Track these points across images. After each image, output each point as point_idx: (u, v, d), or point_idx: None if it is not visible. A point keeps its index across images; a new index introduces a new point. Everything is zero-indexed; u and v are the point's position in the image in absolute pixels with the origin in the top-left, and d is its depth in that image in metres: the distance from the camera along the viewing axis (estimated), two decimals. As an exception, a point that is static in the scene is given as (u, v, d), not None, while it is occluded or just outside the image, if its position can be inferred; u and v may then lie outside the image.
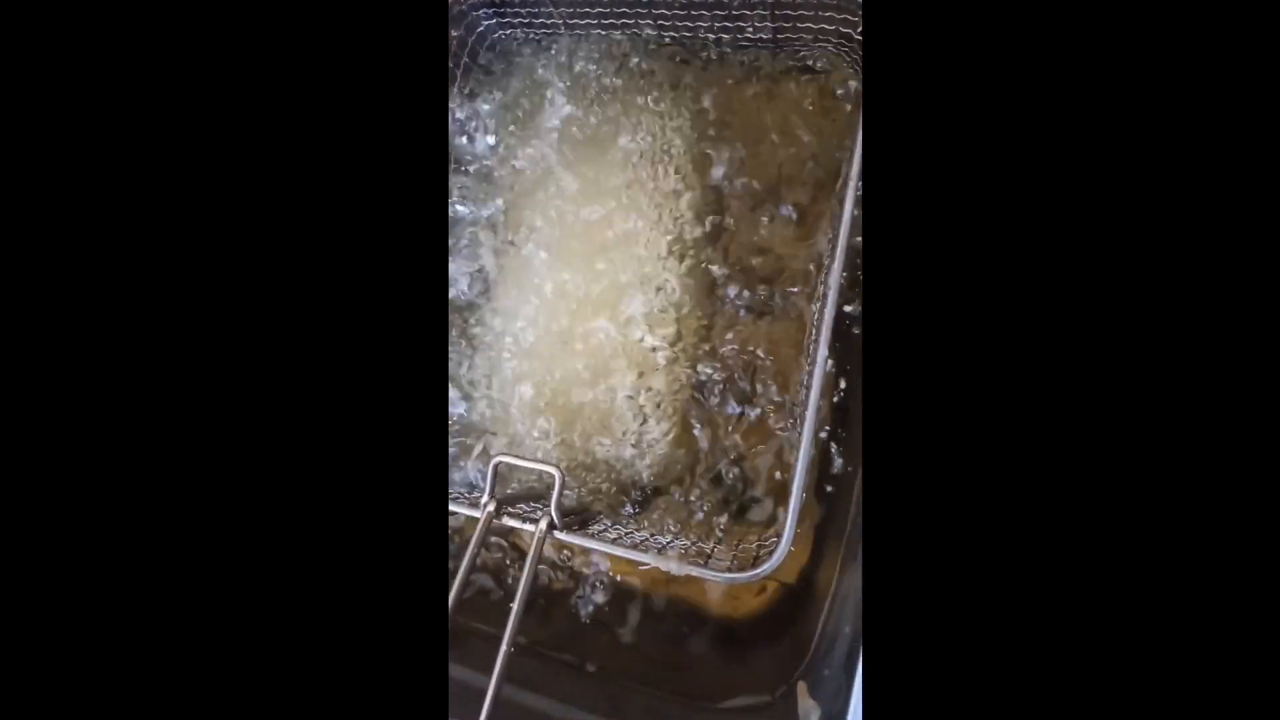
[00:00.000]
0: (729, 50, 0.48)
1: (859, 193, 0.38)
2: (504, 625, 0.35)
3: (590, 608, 0.45)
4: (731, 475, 0.43)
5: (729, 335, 0.45)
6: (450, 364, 0.48)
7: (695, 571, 0.37)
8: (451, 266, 0.49)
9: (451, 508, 0.42)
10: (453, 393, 0.48)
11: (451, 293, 0.49)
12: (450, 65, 0.50)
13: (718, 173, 0.47)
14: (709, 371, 0.44)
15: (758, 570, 0.36)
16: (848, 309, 0.43)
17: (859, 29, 0.43)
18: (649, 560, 0.37)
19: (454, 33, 0.50)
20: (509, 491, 0.41)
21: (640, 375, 0.44)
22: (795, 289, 0.45)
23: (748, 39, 0.47)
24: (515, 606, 0.36)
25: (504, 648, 0.36)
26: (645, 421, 0.44)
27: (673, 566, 0.37)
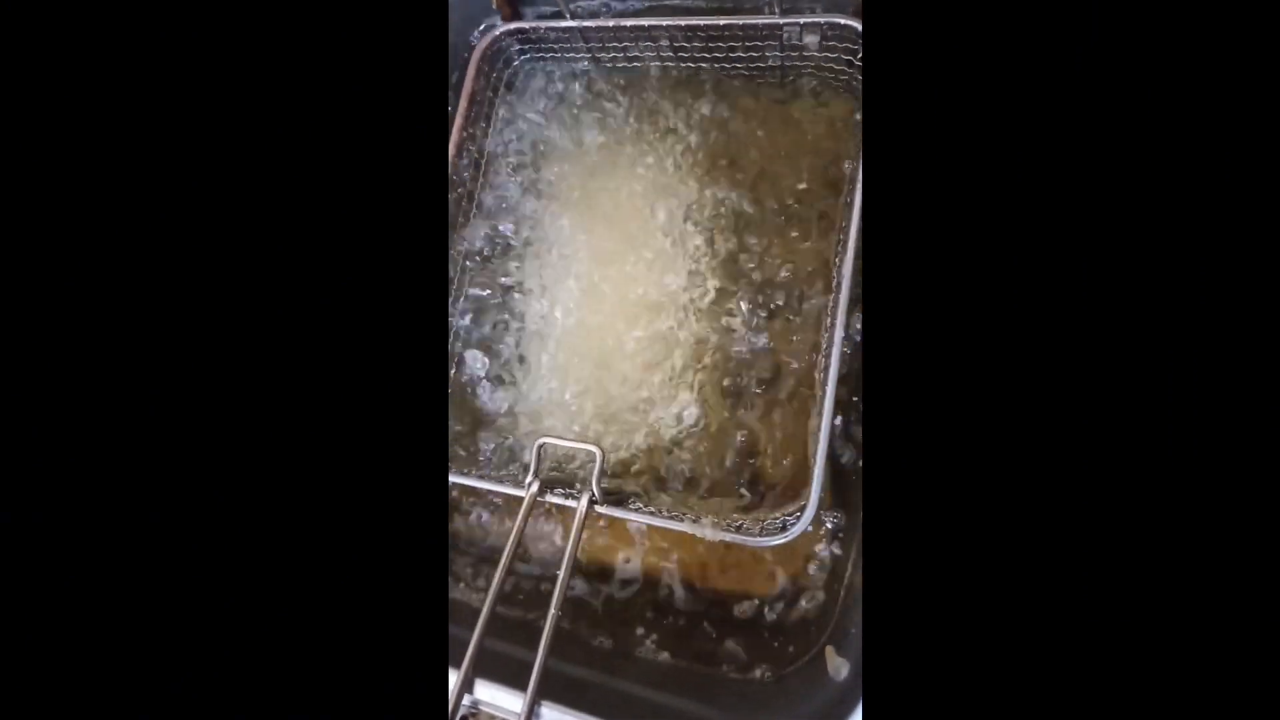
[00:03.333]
0: (744, 77, 0.53)
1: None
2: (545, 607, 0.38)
3: (628, 593, 0.47)
4: (757, 461, 0.46)
5: (752, 329, 0.48)
6: (497, 357, 0.52)
7: (729, 537, 0.40)
8: (490, 271, 0.53)
9: (498, 488, 0.45)
10: (499, 383, 0.51)
11: (489, 292, 0.53)
12: (488, 92, 0.55)
13: (739, 184, 0.51)
14: (735, 364, 0.48)
15: (786, 535, 0.39)
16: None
17: (859, 55, 0.48)
18: (686, 529, 0.40)
19: (488, 67, 0.55)
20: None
21: (671, 367, 0.48)
22: (811, 286, 0.48)
23: (760, 66, 0.52)
24: (561, 575, 0.39)
25: (552, 612, 0.38)
26: (678, 411, 0.47)
27: (708, 533, 0.40)
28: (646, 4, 0.54)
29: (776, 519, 0.42)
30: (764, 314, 0.48)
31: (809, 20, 0.47)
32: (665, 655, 0.45)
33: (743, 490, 0.45)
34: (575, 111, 0.55)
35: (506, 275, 0.53)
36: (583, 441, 0.42)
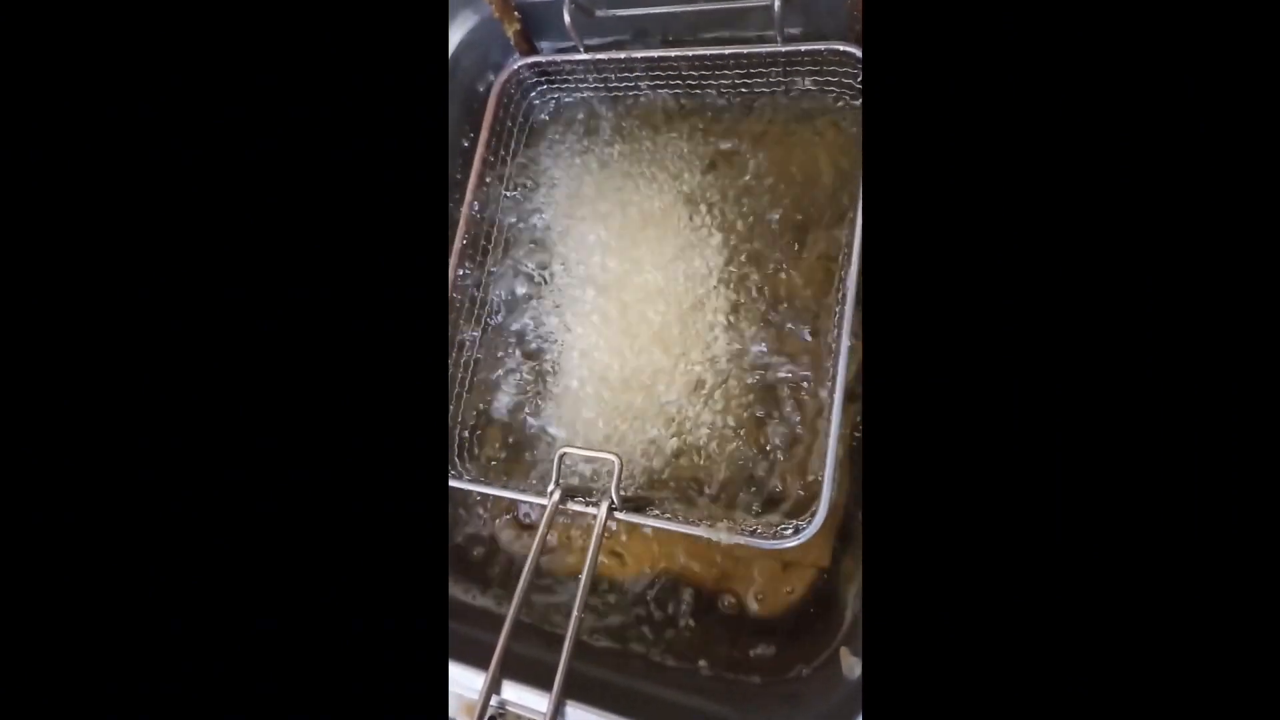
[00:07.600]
0: (749, 100, 0.56)
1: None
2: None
3: (647, 597, 0.49)
4: (771, 469, 0.48)
5: (764, 345, 0.50)
6: (520, 371, 0.55)
7: (742, 541, 0.42)
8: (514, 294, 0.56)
9: (521, 497, 0.47)
10: (524, 398, 0.54)
11: (511, 312, 0.56)
12: (507, 122, 0.58)
13: (750, 208, 0.53)
14: (748, 378, 0.50)
15: (799, 537, 0.40)
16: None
17: (859, 79, 0.50)
18: (701, 533, 0.42)
19: (507, 98, 0.58)
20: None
21: (687, 382, 0.50)
22: (820, 302, 0.50)
23: (766, 93, 0.55)
24: (584, 579, 0.41)
25: (576, 614, 0.40)
26: (693, 423, 0.49)
27: (722, 537, 0.42)
28: (656, 35, 0.57)
29: (789, 524, 0.43)
30: (776, 330, 0.50)
31: (810, 48, 0.49)
32: (682, 657, 0.46)
33: (756, 496, 0.47)
34: (590, 139, 0.58)
35: (528, 297, 0.56)
36: (604, 451, 0.44)
